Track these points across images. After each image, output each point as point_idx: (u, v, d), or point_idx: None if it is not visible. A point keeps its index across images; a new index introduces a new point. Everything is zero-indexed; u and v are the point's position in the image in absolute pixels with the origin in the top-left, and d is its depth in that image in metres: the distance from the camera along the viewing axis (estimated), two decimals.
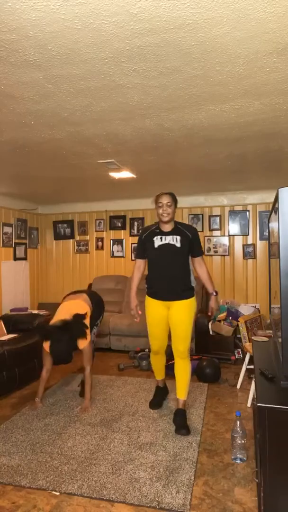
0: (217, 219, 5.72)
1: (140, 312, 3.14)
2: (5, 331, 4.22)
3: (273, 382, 1.73)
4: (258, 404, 1.50)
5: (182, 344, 3.02)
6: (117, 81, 2.05)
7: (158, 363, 3.33)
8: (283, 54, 1.80)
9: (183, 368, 3.05)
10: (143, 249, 3.13)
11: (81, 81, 2.04)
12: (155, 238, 3.03)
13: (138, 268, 3.21)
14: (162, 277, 3.01)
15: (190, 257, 3.06)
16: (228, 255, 5.67)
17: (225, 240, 5.68)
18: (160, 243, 3.01)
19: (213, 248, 5.72)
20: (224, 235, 5.69)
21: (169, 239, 2.99)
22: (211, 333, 4.74)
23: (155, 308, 3.07)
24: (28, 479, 2.32)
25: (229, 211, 5.66)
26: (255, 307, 5.22)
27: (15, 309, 5.30)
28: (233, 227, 5.65)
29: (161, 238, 3.02)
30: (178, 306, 3.01)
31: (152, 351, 3.25)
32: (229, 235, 5.67)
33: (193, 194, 5.69)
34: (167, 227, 3.02)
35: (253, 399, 3.07)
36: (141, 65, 1.89)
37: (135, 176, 4.34)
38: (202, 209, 5.80)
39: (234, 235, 5.66)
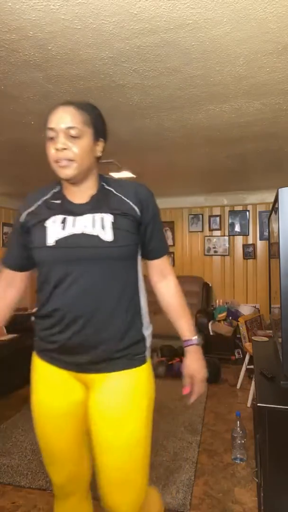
0: (217, 219, 5.71)
1: None
2: (5, 331, 4.21)
3: (273, 382, 1.73)
4: (258, 404, 1.50)
5: (122, 494, 1.27)
6: (117, 81, 2.05)
7: None
8: (283, 54, 1.80)
9: None
10: (21, 246, 1.34)
11: (81, 81, 2.04)
12: (50, 221, 1.25)
13: (8, 283, 1.42)
14: (67, 314, 1.22)
15: (138, 262, 1.33)
16: (228, 255, 5.67)
17: (225, 240, 5.68)
18: (62, 234, 1.22)
19: (213, 248, 5.72)
20: (224, 235, 5.68)
21: (82, 224, 1.22)
22: (211, 333, 4.73)
23: (52, 386, 1.30)
24: (28, 479, 2.32)
25: (229, 211, 5.66)
26: (255, 307, 5.22)
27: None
28: (233, 227, 5.65)
29: (63, 221, 1.23)
30: (111, 388, 1.25)
31: (55, 491, 1.46)
32: (229, 235, 5.67)
33: (193, 194, 5.69)
34: (80, 194, 1.27)
35: (253, 399, 3.07)
36: (141, 65, 1.89)
37: (135, 176, 4.34)
38: (202, 209, 5.79)
39: (234, 235, 5.65)
